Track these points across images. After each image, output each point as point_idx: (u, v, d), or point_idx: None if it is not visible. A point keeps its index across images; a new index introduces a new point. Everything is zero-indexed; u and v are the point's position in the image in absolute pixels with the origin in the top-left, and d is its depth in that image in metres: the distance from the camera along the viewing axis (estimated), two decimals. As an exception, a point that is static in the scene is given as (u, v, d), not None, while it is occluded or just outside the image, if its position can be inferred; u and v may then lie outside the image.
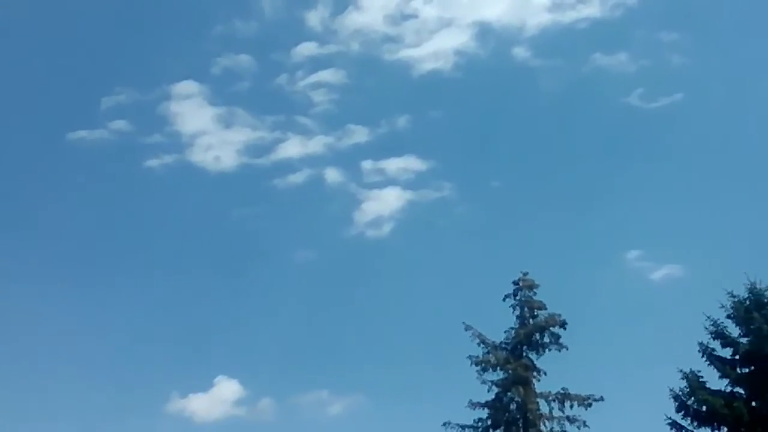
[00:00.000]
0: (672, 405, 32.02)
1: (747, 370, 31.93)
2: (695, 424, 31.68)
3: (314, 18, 72.85)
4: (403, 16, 71.73)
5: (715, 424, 31.36)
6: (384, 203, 66.74)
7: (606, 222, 65.62)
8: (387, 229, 66.49)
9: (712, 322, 32.41)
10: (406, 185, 67.02)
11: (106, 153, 70.33)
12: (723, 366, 31.94)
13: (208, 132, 69.58)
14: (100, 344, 59.98)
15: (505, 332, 36.99)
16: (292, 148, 68.50)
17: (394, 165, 67.61)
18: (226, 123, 70.02)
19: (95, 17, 74.42)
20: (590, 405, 35.87)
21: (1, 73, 71.57)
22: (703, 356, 32.36)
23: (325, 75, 70.42)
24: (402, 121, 70.46)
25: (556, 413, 36.04)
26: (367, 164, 68.00)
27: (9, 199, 67.98)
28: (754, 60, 69.23)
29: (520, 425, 35.83)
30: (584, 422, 35.80)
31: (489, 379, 36.35)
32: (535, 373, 36.46)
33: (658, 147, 67.95)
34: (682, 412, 31.83)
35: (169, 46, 75.42)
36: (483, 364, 36.32)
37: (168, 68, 73.34)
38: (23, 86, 72.17)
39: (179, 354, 60.84)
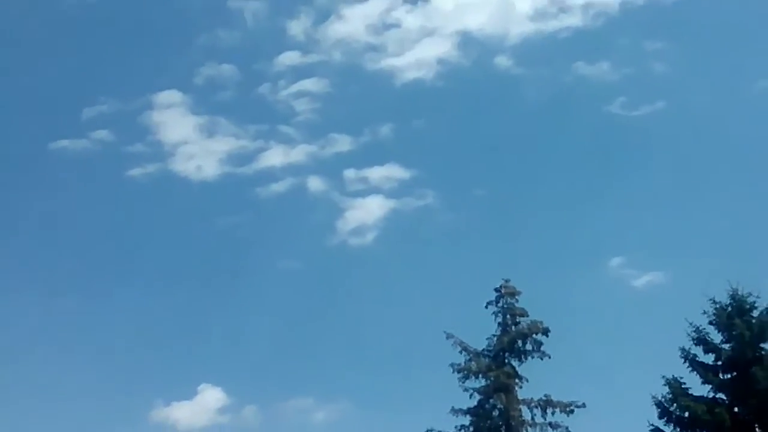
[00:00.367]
0: (654, 411, 32.03)
1: (729, 376, 31.96)
2: (678, 430, 31.66)
3: (297, 27, 72.94)
4: (385, 26, 71.85)
5: (698, 430, 31.33)
6: (367, 212, 66.81)
7: (588, 229, 65.75)
8: (370, 237, 66.59)
9: (694, 329, 32.44)
10: (389, 194, 67.12)
11: (88, 162, 70.38)
12: (705, 372, 31.96)
13: (190, 141, 69.56)
14: (83, 352, 59.98)
15: (487, 339, 37.00)
16: (275, 157, 68.50)
17: (376, 173, 67.73)
18: (209, 132, 70.01)
19: (77, 26, 74.65)
20: (572, 411, 35.86)
21: (-18, 82, 71.59)
22: (685, 362, 32.37)
23: (308, 84, 70.54)
24: (385, 130, 70.57)
25: (539, 420, 36.04)
26: (349, 173, 68.05)
27: (-10, 209, 67.89)
28: (736, 68, 69.56)
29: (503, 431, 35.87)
30: (567, 428, 35.82)
31: (471, 386, 36.33)
32: (517, 380, 36.41)
33: (640, 155, 68.15)
34: (665, 418, 31.81)
35: (151, 56, 75.40)
36: (465, 372, 36.27)
37: (150, 78, 73.55)
38: (5, 95, 72.33)
39: (163, 362, 60.93)
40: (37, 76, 72.38)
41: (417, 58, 69.82)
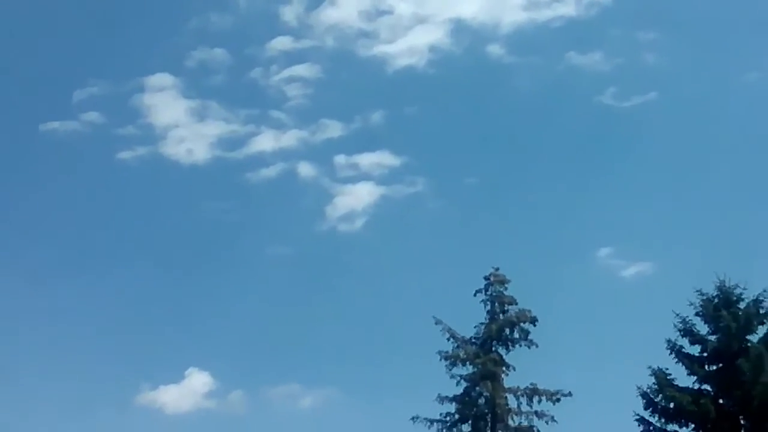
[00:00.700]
0: (640, 402, 32.18)
1: (715, 368, 32.15)
2: (663, 420, 31.84)
3: (289, 13, 72.74)
4: (378, 12, 71.76)
5: (683, 420, 31.54)
6: (357, 198, 66.84)
7: (578, 219, 66.06)
8: (359, 223, 66.62)
9: (680, 320, 32.61)
10: (379, 180, 67.16)
11: (78, 145, 70.35)
12: (691, 363, 32.13)
13: (181, 125, 69.62)
14: (71, 335, 60.01)
15: (475, 327, 37.02)
16: (266, 141, 68.52)
17: (367, 160, 67.78)
18: (200, 116, 69.98)
19: (68, 8, 74.27)
20: (559, 400, 35.86)
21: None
22: (671, 353, 32.52)
23: (300, 69, 70.49)
24: (376, 117, 70.64)
25: (525, 408, 36.00)
26: (340, 159, 68.10)
27: (-21, 191, 67.74)
28: (727, 60, 69.79)
29: (488, 420, 35.81)
30: (552, 417, 35.80)
31: (458, 373, 36.32)
32: (504, 368, 36.41)
33: (630, 145, 68.27)
34: (650, 408, 31.98)
35: (143, 39, 75.13)
36: (452, 359, 36.27)
37: (142, 60, 73.37)
38: (-5, 77, 71.91)
39: (151, 345, 60.86)
40: (28, 57, 72.23)
41: (409, 45, 69.97)
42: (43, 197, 68.08)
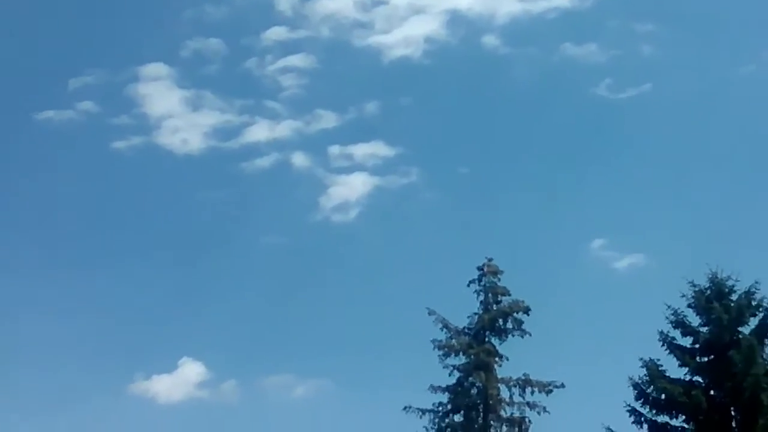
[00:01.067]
0: (631, 393, 32.22)
1: (706, 359, 32.16)
2: (654, 412, 31.83)
3: (285, 2, 72.82)
4: (373, 2, 71.90)
5: (674, 412, 31.54)
6: (351, 188, 67.01)
7: (571, 211, 66.11)
8: (353, 214, 66.77)
9: (672, 312, 32.60)
10: (374, 171, 67.36)
11: (73, 134, 70.45)
12: (683, 355, 32.15)
13: (175, 114, 69.65)
14: (65, 324, 60.04)
15: (468, 317, 37.17)
16: (260, 132, 68.71)
17: (361, 150, 67.98)
18: (194, 106, 70.07)
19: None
20: (551, 391, 36.07)
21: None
22: (663, 345, 32.54)
23: (295, 60, 70.57)
24: (371, 107, 70.74)
25: (517, 399, 36.25)
26: (334, 149, 68.24)
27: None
28: (723, 52, 70.08)
29: (481, 410, 35.97)
30: (544, 408, 36.03)
31: (451, 363, 36.51)
32: (497, 359, 36.57)
33: (624, 137, 68.62)
34: (642, 399, 31.97)
35: (138, 28, 75.27)
36: (446, 349, 36.42)
37: (137, 50, 73.35)
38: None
39: (145, 335, 61.21)
40: (24, 46, 72.45)
41: (405, 36, 69.97)
42: (36, 186, 68.41)
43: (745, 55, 68.97)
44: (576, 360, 50.47)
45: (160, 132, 68.50)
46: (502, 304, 37.02)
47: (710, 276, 32.66)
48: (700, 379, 31.98)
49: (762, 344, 31.52)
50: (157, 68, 70.06)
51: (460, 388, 36.18)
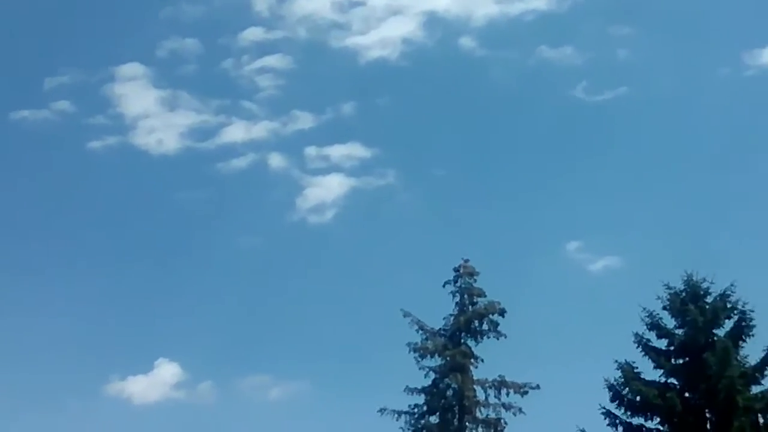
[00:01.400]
0: (607, 394, 32.26)
1: (681, 361, 32.22)
2: (629, 414, 31.86)
3: (262, 3, 72.97)
4: (351, 3, 71.97)
5: (649, 414, 31.59)
6: (327, 190, 66.92)
7: (547, 213, 66.29)
8: (329, 215, 66.73)
9: (648, 314, 32.65)
10: (350, 172, 67.30)
11: (48, 133, 70.14)
12: (658, 357, 32.21)
13: (151, 114, 69.40)
14: (39, 324, 59.55)
15: (444, 319, 37.16)
16: (237, 132, 68.51)
17: (338, 152, 67.88)
18: (171, 106, 69.83)
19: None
20: (526, 393, 36.10)
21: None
22: (638, 347, 32.59)
23: (271, 60, 70.50)
24: (347, 108, 70.66)
25: (492, 400, 36.26)
26: (311, 150, 68.11)
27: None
28: (699, 55, 70.33)
29: (456, 412, 35.96)
30: (520, 409, 36.04)
31: (427, 365, 36.48)
32: (472, 360, 36.58)
33: (600, 139, 68.88)
34: (617, 401, 32.00)
35: (115, 28, 74.86)
36: (421, 351, 36.40)
37: (113, 50, 73.15)
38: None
39: (121, 335, 60.95)
40: (-1, 44, 71.90)
41: (382, 37, 70.00)
42: (11, 186, 67.92)
43: (720, 58, 69.28)
44: (551, 362, 50.44)
45: (136, 132, 68.34)
46: (477, 306, 37.02)
47: (685, 278, 32.74)
48: (675, 381, 32.04)
49: (737, 346, 31.64)
50: (133, 68, 69.94)
51: (435, 390, 36.15)
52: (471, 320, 36.71)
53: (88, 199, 69.64)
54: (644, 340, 32.55)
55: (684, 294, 32.58)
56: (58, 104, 68.86)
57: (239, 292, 63.12)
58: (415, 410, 36.01)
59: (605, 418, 31.90)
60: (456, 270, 37.43)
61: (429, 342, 36.60)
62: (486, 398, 36.24)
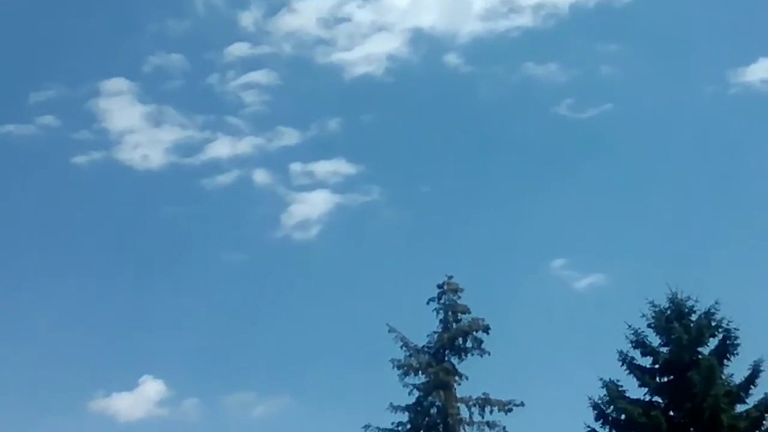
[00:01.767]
0: (591, 413, 32.16)
1: (666, 380, 32.17)
2: (613, 432, 31.85)
3: (247, 18, 72.55)
4: (336, 20, 71.63)
5: (633, 432, 31.57)
6: (312, 206, 66.78)
7: (532, 230, 66.09)
8: (314, 231, 66.51)
9: (633, 331, 32.60)
10: (335, 188, 67.13)
11: (33, 148, 69.89)
12: (642, 375, 32.14)
13: (136, 130, 69.04)
14: (23, 339, 59.51)
15: (428, 336, 36.97)
16: (222, 148, 68.31)
17: (323, 168, 67.77)
18: (156, 121, 69.52)
19: (24, 10, 73.48)
20: (510, 410, 35.90)
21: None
22: (623, 365, 32.52)
23: (257, 76, 70.30)
24: (332, 124, 70.51)
25: (477, 418, 36.03)
26: (296, 166, 67.98)
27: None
28: (684, 73, 70.27)
29: (440, 429, 35.75)
30: (504, 428, 35.86)
31: (411, 382, 36.28)
32: (456, 378, 36.39)
33: (585, 157, 68.64)
34: (601, 420, 31.93)
35: (100, 43, 74.38)
36: (405, 368, 36.21)
37: (98, 64, 72.73)
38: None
39: (105, 352, 60.60)
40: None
41: (367, 53, 69.82)
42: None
43: (705, 75, 69.33)
44: (536, 379, 50.34)
45: (121, 147, 68.05)
46: (461, 323, 36.83)
47: (670, 296, 32.70)
48: (659, 400, 31.98)
49: (721, 364, 31.61)
50: (118, 83, 69.66)
51: (419, 408, 35.93)
52: (455, 337, 36.54)
53: (73, 215, 69.47)
54: (629, 358, 32.47)
55: (669, 312, 32.53)
56: (43, 119, 68.58)
57: (224, 309, 63.11)
58: (399, 428, 35.79)
59: (590, 437, 31.86)
60: (440, 287, 37.25)
61: (413, 359, 36.40)
62: (470, 416, 36.04)
